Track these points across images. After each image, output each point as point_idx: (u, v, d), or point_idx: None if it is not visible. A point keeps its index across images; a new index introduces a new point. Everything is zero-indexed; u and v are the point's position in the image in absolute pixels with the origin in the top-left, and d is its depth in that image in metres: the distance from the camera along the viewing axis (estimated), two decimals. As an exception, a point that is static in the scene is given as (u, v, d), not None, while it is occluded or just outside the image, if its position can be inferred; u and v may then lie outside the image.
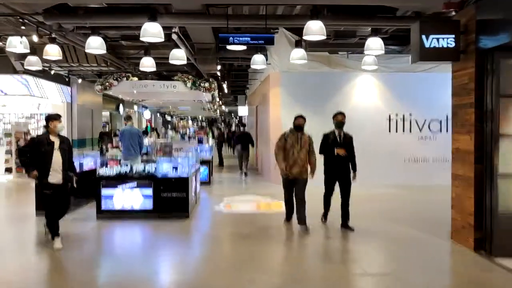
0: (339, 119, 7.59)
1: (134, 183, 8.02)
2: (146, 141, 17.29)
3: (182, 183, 8.11)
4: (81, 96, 18.71)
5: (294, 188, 7.39)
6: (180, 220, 7.97)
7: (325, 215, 7.85)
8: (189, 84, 12.06)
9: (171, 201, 8.04)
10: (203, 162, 12.63)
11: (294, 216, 7.54)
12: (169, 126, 42.14)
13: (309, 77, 12.83)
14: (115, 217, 7.98)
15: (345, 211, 7.45)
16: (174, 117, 48.71)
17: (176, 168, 8.35)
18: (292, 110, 12.89)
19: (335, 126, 7.60)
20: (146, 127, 32.95)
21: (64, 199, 6.50)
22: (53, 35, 9.32)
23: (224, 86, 20.15)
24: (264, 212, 8.99)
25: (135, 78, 12.44)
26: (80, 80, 17.12)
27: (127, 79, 12.02)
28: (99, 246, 6.80)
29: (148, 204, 8.04)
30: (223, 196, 10.80)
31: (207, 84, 12.16)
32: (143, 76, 15.70)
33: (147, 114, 34.91)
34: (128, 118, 10.28)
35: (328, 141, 7.46)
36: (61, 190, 6.38)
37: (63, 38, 10.41)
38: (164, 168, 8.33)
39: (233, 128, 37.29)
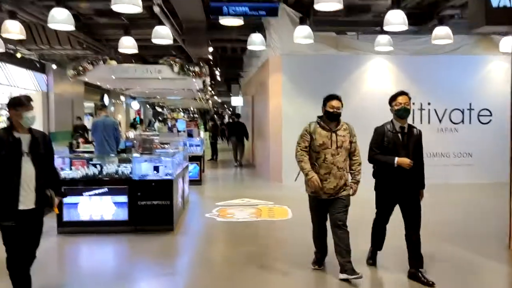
0: (402, 102, 4.61)
1: (105, 189, 6.39)
2: (131, 134, 15.67)
3: (165, 188, 6.49)
4: (59, 85, 16.95)
5: (328, 211, 4.72)
6: (162, 234, 6.36)
7: (373, 254, 5.10)
8: (176, 69, 10.39)
9: (151, 210, 6.42)
10: (193, 158, 11.04)
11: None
12: (160, 118, 40.41)
13: (314, 61, 11.22)
14: (80, 231, 6.35)
15: (416, 251, 4.61)
16: (165, 108, 46.91)
17: (157, 169, 6.74)
18: (295, 99, 11.34)
19: (395, 116, 4.68)
20: (135, 118, 31.24)
21: (35, 233, 4.00)
22: (5, 6, 7.61)
23: (217, 73, 18.53)
24: (266, 221, 7.39)
25: (114, 62, 10.75)
26: (54, 66, 15.36)
27: (104, 63, 10.33)
28: (60, 272, 5.20)
29: (122, 214, 6.42)
30: (216, 198, 9.19)
31: (197, 69, 10.50)
32: (125, 60, 14.01)
33: (135, 105, 33.15)
34: (102, 107, 8.61)
35: (383, 142, 4.64)
36: (32, 220, 3.90)
37: (23, 12, 8.72)
38: (143, 168, 6.71)
39: (226, 119, 35.60)
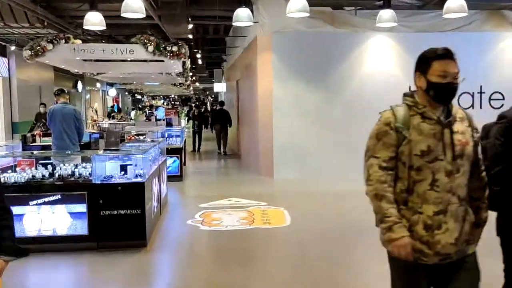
0: None
1: (57, 195, 5.04)
2: (106, 123, 14.22)
3: (134, 193, 5.17)
4: (24, 70, 15.34)
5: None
6: (132, 251, 5.06)
7: None
8: (151, 48, 8.95)
9: (117, 221, 5.10)
10: (172, 151, 9.73)
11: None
12: (140, 106, 38.77)
13: (307, 39, 9.94)
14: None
15: None
16: (145, 96, 45.12)
17: (125, 169, 5.43)
18: (287, 81, 10.04)
19: None
20: (112, 106, 29.59)
21: None
22: None
23: (198, 56, 17.13)
24: (260, 229, 6.09)
25: (78, 41, 9.27)
26: (12, 47, 13.76)
27: (66, 42, 8.85)
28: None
29: (81, 228, 5.09)
30: (199, 198, 7.91)
31: (175, 48, 9.10)
32: (96, 41, 12.52)
33: (112, 92, 31.47)
34: (60, 93, 7.18)
35: None
36: None
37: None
38: (107, 169, 5.39)
39: (208, 107, 34.13)
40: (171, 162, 9.65)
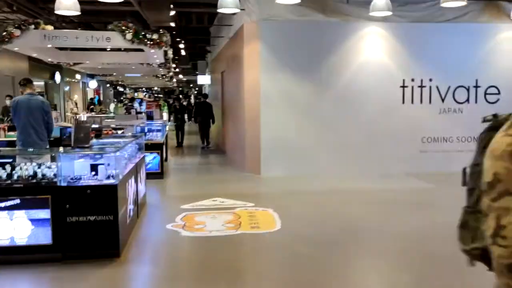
0: None
1: (16, 200, 4.41)
2: (83, 117, 13.50)
3: (106, 196, 4.57)
4: (-6, 59, 14.49)
5: None
6: (103, 263, 4.45)
7: None
8: (129, 36, 8.30)
9: (86, 229, 4.49)
10: (152, 147, 9.12)
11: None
12: (122, 98, 37.73)
13: (297, 28, 9.39)
14: (-19, 263, 4.39)
15: None
16: (127, 88, 44.05)
17: (96, 169, 4.81)
18: (275, 73, 9.43)
19: None
20: (92, 98, 28.63)
21: None
22: None
23: (181, 46, 16.46)
24: (247, 234, 5.52)
25: (50, 27, 8.56)
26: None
27: (36, 28, 8.15)
28: None
29: (44, 237, 4.46)
30: (181, 198, 7.32)
31: (155, 36, 8.47)
32: (70, 27, 11.78)
33: (93, 84, 30.47)
34: (26, 82, 6.48)
35: None
36: None
37: None
38: (75, 169, 4.76)
39: (192, 100, 33.32)
40: (151, 158, 9.04)
